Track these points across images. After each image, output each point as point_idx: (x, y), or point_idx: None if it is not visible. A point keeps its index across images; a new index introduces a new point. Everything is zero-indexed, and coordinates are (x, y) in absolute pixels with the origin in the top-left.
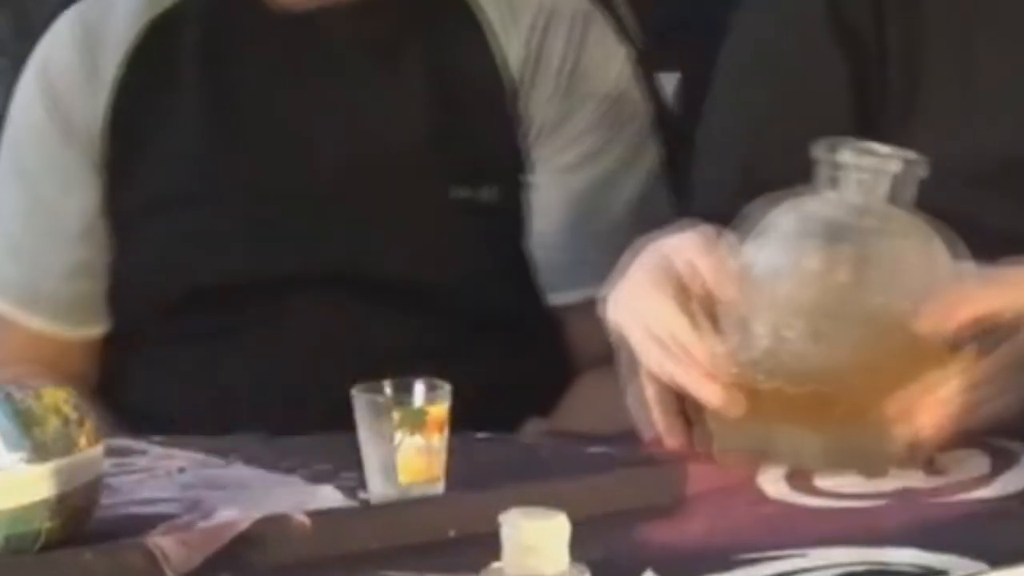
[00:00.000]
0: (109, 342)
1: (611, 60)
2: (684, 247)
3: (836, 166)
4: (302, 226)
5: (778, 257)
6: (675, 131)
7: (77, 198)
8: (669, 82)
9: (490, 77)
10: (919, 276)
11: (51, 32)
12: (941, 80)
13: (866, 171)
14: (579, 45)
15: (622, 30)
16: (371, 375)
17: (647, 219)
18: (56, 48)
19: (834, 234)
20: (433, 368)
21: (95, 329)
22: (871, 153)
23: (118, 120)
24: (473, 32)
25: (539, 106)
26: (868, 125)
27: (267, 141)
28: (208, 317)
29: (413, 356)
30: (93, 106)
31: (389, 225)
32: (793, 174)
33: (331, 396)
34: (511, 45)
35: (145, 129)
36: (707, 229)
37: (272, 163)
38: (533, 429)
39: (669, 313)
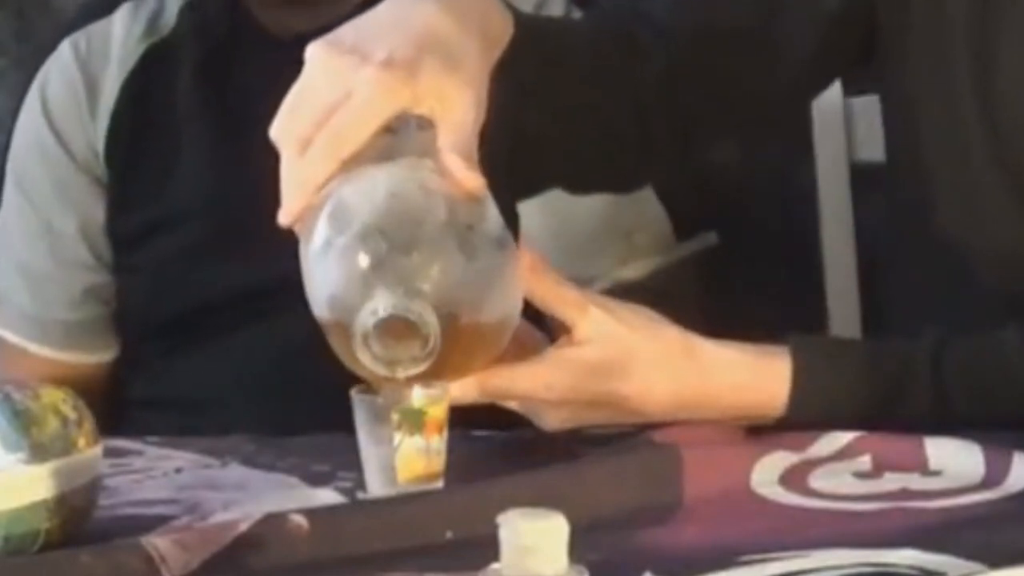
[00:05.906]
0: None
1: None
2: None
3: None
4: None
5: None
6: None
7: (82, 221)
8: None
9: None
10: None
11: (52, 59)
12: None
13: None
14: None
15: None
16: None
17: None
18: (55, 75)
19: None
20: None
21: (106, 354)
22: None
23: (117, 144)
24: None
25: None
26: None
27: (268, 161)
28: (210, 329)
29: None
30: (93, 131)
31: None
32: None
33: (330, 397)
34: None
35: (145, 152)
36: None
37: (275, 180)
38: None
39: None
